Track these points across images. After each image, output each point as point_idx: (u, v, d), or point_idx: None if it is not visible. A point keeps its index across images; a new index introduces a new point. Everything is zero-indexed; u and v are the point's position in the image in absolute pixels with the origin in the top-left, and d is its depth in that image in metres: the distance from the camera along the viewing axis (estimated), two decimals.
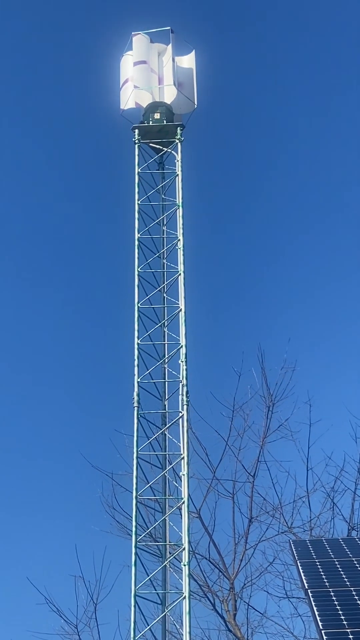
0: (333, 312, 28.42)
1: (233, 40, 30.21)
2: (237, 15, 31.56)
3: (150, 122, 15.48)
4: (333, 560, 9.14)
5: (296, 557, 9.35)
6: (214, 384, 20.93)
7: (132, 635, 11.65)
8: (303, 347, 26.07)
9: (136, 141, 15.41)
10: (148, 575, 12.35)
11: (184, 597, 11.89)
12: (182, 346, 13.65)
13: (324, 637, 6.67)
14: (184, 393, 13.27)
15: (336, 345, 27.62)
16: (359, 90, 31.10)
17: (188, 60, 16.23)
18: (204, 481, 16.98)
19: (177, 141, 15.35)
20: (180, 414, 13.22)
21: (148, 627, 12.12)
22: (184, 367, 13.46)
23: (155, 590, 12.66)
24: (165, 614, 12.46)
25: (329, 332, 28.41)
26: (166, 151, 15.45)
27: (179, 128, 15.41)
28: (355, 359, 26.82)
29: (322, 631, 6.83)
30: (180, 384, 13.39)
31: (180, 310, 13.96)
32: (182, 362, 13.50)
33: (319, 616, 7.25)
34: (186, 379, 13.37)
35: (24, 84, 30.78)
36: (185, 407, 13.21)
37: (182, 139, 15.37)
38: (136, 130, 15.49)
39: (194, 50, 16.23)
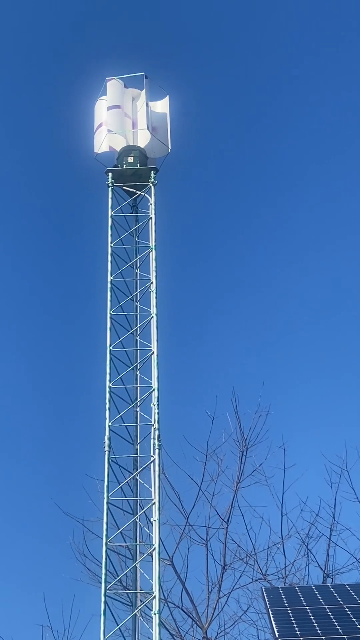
0: (307, 356, 28.42)
1: (206, 85, 30.55)
2: (211, 61, 31.99)
3: (124, 165, 15.52)
4: (305, 609, 8.97)
5: (268, 605, 9.17)
6: (187, 427, 20.83)
7: None
8: (277, 391, 26.04)
9: (110, 184, 15.43)
10: (117, 625, 12.06)
11: None
12: (154, 389, 13.53)
13: None
14: (156, 437, 13.11)
15: (310, 390, 27.60)
16: (330, 137, 31.46)
17: (162, 105, 16.34)
18: (176, 527, 16.76)
19: (151, 184, 15.39)
20: (152, 458, 13.05)
21: None
22: (156, 410, 13.33)
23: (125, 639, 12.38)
24: None
25: (303, 376, 28.38)
26: (140, 194, 15.47)
27: (152, 171, 15.46)
28: (330, 404, 26.77)
29: None
30: (152, 427, 13.23)
31: (153, 353, 13.87)
32: (154, 405, 13.37)
33: None
34: (158, 422, 13.23)
35: None
36: (157, 451, 13.04)
37: (156, 182, 15.41)
38: (110, 174, 15.51)
39: (167, 96, 16.35)
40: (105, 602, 12.03)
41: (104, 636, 11.72)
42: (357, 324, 28.62)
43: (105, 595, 12.08)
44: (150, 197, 15.31)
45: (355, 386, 27.19)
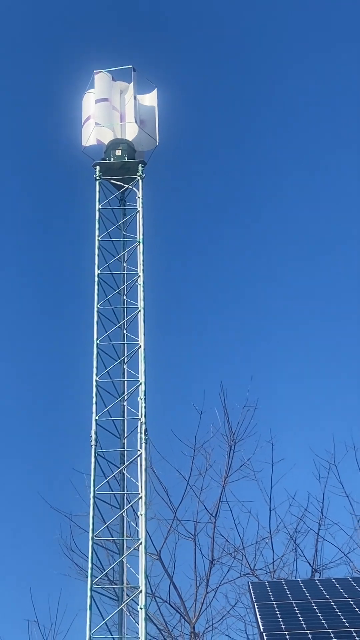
0: (295, 350, 28.40)
1: (195, 78, 30.46)
2: (199, 54, 31.91)
3: (112, 158, 15.46)
4: (291, 603, 8.93)
5: (254, 600, 9.13)
6: (175, 422, 20.75)
7: None
8: (265, 385, 25.95)
9: (97, 178, 15.37)
10: (104, 619, 12.02)
11: None
12: (141, 383, 13.49)
13: None
14: (143, 431, 13.08)
15: (299, 384, 27.58)
16: (320, 128, 31.44)
17: (150, 98, 16.28)
18: (164, 522, 16.71)
19: (138, 178, 15.33)
20: (139, 453, 13.01)
21: None
22: (143, 404, 13.29)
23: (112, 634, 12.33)
24: None
25: (292, 370, 28.34)
26: (127, 188, 15.41)
27: (140, 165, 15.40)
28: (318, 399, 26.78)
29: None
30: (139, 421, 13.20)
31: (140, 347, 13.82)
32: (141, 399, 13.33)
33: None
34: (145, 416, 13.19)
35: None
36: (143, 445, 13.01)
37: (144, 175, 15.35)
38: (97, 167, 15.45)
39: (155, 89, 16.30)
40: (91, 596, 12.00)
41: (90, 631, 11.68)
42: (346, 320, 28.66)
43: (91, 589, 12.05)
44: (138, 190, 15.26)
45: (343, 381, 27.22)
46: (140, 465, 12.92)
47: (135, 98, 15.90)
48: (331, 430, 24.07)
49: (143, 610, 11.82)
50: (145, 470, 12.93)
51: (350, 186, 29.91)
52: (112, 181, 15.50)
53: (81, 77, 16.57)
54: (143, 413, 13.21)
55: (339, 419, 25.34)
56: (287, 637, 7.65)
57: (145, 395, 13.36)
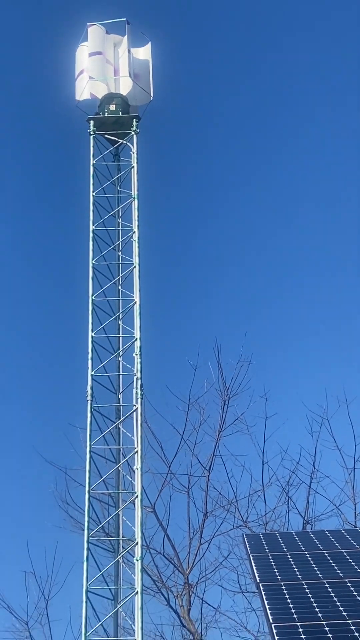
0: (289, 306, 28.50)
1: (189, 32, 30.14)
2: (193, 7, 31.49)
3: (106, 113, 15.34)
4: (286, 554, 9.10)
5: (249, 551, 9.29)
6: (170, 377, 20.92)
7: (83, 632, 11.52)
8: (259, 341, 26.11)
9: (91, 132, 15.27)
10: (100, 571, 12.22)
11: (136, 593, 11.79)
12: (136, 339, 13.55)
13: (274, 632, 6.61)
14: (138, 386, 13.17)
15: (292, 340, 27.73)
16: (319, 79, 31.19)
17: (144, 52, 16.12)
18: (158, 475, 16.90)
19: (133, 133, 15.24)
20: (134, 408, 13.12)
21: (100, 623, 12.00)
22: (138, 360, 13.36)
23: (108, 585, 12.55)
24: (117, 610, 12.35)
25: (285, 326, 28.50)
26: (121, 143, 15.32)
27: (134, 120, 15.29)
28: (311, 354, 26.92)
29: (272, 625, 6.77)
30: (135, 377, 13.29)
31: (135, 303, 13.86)
32: (137, 355, 13.40)
33: (269, 610, 7.19)
34: (140, 372, 13.28)
35: None
36: (139, 400, 13.11)
37: (138, 130, 15.26)
38: (91, 122, 15.35)
39: (150, 42, 16.13)
40: (88, 548, 12.17)
41: (87, 582, 11.87)
42: (340, 276, 28.71)
43: (88, 542, 12.21)
44: (133, 145, 15.17)
45: (336, 336, 27.36)
46: (136, 420, 13.04)
47: (129, 51, 15.74)
48: (324, 385, 24.32)
49: (139, 561, 12.01)
50: (141, 424, 13.05)
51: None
52: (106, 136, 15.40)
53: (74, 29, 16.39)
54: (139, 368, 13.29)
55: (332, 374, 25.58)
56: (283, 587, 7.81)
57: (140, 350, 13.43)
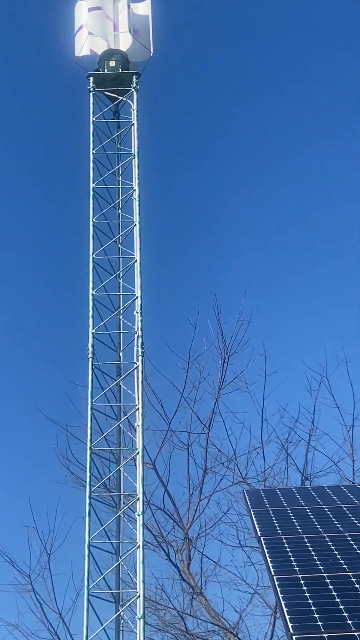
0: (288, 264, 28.51)
1: None
2: None
3: (106, 69, 15.21)
4: (286, 509, 9.23)
5: (250, 506, 9.42)
6: (170, 335, 21.00)
7: (85, 585, 11.70)
8: (259, 299, 26.16)
9: (91, 89, 15.14)
10: (102, 526, 12.38)
11: (138, 547, 11.96)
12: (137, 297, 13.58)
13: (276, 583, 6.74)
14: (139, 344, 13.23)
15: (291, 298, 27.78)
16: (320, 36, 30.86)
17: (144, 7, 15.94)
18: (159, 433, 17.05)
19: (133, 89, 15.12)
20: (135, 365, 13.19)
21: (102, 577, 12.20)
22: (139, 318, 13.40)
23: (110, 540, 12.72)
24: (119, 564, 12.53)
25: (285, 284, 28.52)
26: (121, 100, 15.21)
27: (134, 76, 15.16)
28: (310, 312, 27.02)
29: (274, 577, 6.90)
30: (135, 335, 13.34)
31: (136, 261, 13.86)
32: (137, 313, 13.44)
33: (271, 563, 7.32)
34: (141, 330, 13.33)
35: None
36: (140, 358, 13.17)
37: (138, 87, 15.14)
38: (91, 78, 15.20)
39: None
40: (90, 503, 12.30)
41: (89, 536, 12.04)
42: (340, 230, 28.66)
43: (90, 497, 12.35)
44: (133, 102, 15.07)
45: (336, 295, 27.42)
46: (137, 377, 13.12)
47: (128, 6, 15.55)
48: (323, 343, 24.42)
49: (141, 516, 12.17)
50: (142, 382, 13.13)
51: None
52: (106, 93, 15.28)
53: None
54: (139, 326, 13.34)
55: (331, 333, 25.67)
56: (284, 541, 7.94)
57: (141, 309, 13.47)
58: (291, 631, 5.74)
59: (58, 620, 15.60)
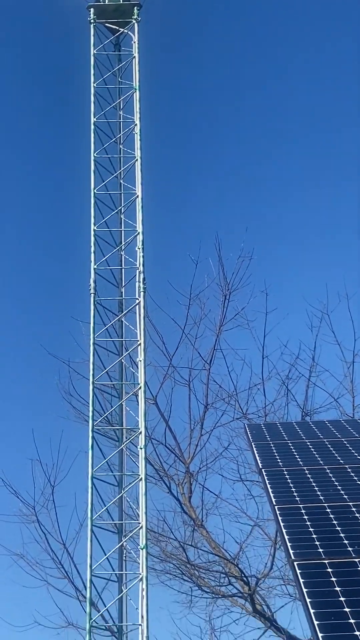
0: (289, 200, 28.35)
1: None
2: None
3: (106, 0, 14.95)
4: (287, 442, 9.34)
5: (251, 440, 9.53)
6: (171, 272, 20.97)
7: (89, 516, 11.90)
8: (260, 236, 26.09)
9: (91, 21, 14.91)
10: (105, 458, 12.55)
11: (140, 479, 12.14)
12: (138, 233, 13.55)
13: (277, 512, 6.86)
14: (141, 280, 13.25)
15: (293, 235, 27.71)
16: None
17: None
18: (160, 369, 17.15)
19: (134, 21, 14.89)
20: (137, 301, 13.23)
21: (104, 508, 12.38)
22: (141, 254, 13.40)
23: (112, 472, 12.91)
24: (121, 496, 12.73)
25: (286, 221, 28.41)
26: (122, 32, 14.99)
27: (135, 7, 14.93)
28: (311, 248, 26.96)
29: (276, 507, 7.02)
30: (137, 271, 13.35)
31: (137, 196, 13.80)
32: (139, 249, 13.43)
33: (272, 493, 7.43)
34: (143, 266, 13.33)
35: None
36: (141, 294, 13.21)
37: (139, 19, 14.91)
38: (91, 9, 14.97)
39: None
40: (92, 437, 12.46)
41: (92, 469, 12.21)
42: (343, 165, 28.42)
43: (92, 431, 12.50)
44: (134, 35, 14.85)
45: (337, 229, 27.34)
46: (139, 313, 13.17)
47: None
48: (324, 280, 24.43)
49: (143, 450, 12.32)
50: (143, 318, 13.18)
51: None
52: (106, 25, 15.06)
53: None
54: (141, 262, 13.34)
55: (333, 269, 25.67)
56: (285, 472, 8.05)
57: (143, 244, 13.46)
58: (292, 557, 5.87)
59: (62, 550, 15.87)
